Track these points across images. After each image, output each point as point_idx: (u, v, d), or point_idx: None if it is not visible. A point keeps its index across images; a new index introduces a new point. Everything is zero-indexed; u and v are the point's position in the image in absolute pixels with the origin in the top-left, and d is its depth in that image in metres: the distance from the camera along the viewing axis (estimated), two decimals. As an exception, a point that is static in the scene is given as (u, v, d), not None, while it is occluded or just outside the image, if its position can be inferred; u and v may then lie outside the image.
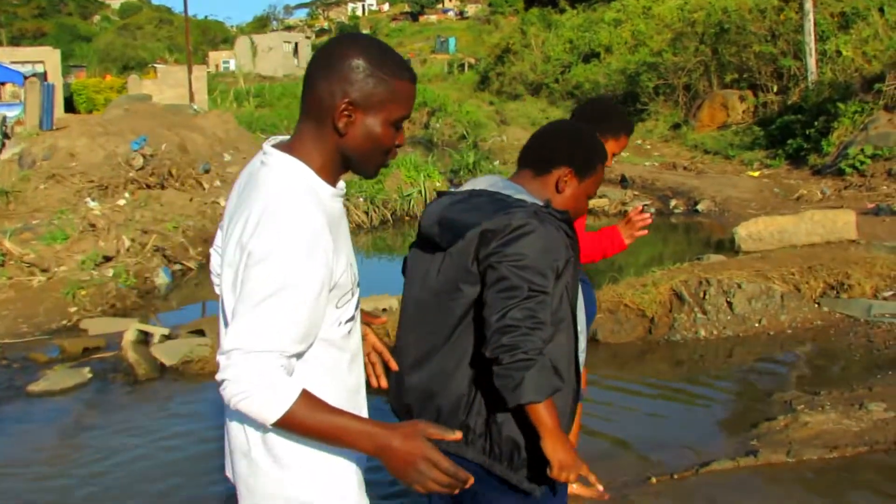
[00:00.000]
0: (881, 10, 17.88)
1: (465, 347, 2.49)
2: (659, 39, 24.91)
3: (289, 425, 1.84)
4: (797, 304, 7.54)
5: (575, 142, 2.74)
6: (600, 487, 2.41)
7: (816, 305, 7.64)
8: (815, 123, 15.84)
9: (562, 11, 36.67)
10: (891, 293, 7.82)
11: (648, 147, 20.40)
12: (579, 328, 2.69)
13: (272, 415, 1.82)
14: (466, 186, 2.72)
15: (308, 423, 1.84)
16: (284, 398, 1.82)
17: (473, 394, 2.48)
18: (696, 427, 5.52)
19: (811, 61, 17.79)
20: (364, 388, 2.22)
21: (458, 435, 1.92)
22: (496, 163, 19.71)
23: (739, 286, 7.47)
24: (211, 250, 2.35)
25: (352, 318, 2.09)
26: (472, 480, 1.91)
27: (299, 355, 1.94)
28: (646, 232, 3.88)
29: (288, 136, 2.09)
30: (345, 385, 2.10)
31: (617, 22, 30.45)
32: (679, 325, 7.30)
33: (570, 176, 2.71)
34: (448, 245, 2.52)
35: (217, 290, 2.15)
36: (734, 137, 18.89)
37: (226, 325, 2.01)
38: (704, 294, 7.46)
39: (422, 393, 2.57)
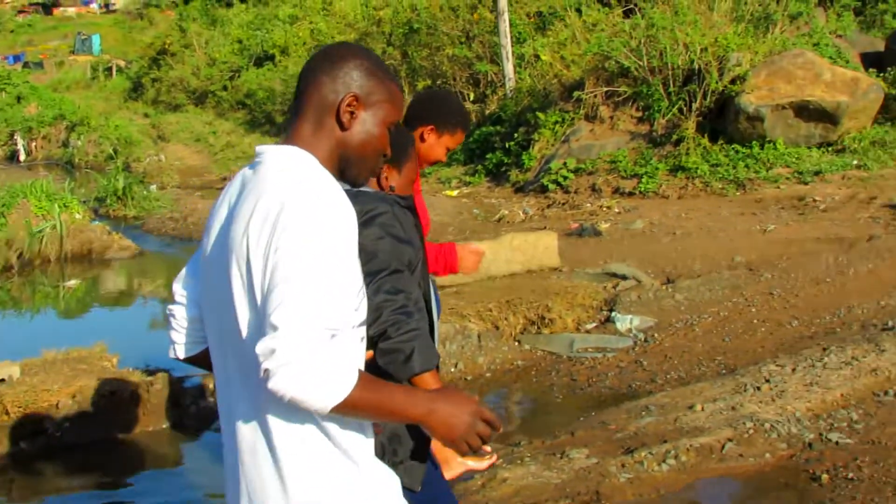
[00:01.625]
0: (578, 11, 19.35)
1: None
2: (341, 40, 25.47)
3: (349, 406, 2.04)
4: (496, 344, 7.93)
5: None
6: (495, 457, 2.92)
7: (517, 344, 8.07)
8: (515, 135, 16.82)
9: (229, 6, 36.62)
10: (593, 325, 8.43)
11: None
12: (434, 317, 3.15)
13: (338, 394, 2.02)
14: None
15: (365, 400, 2.06)
16: (349, 376, 2.03)
17: None
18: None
19: (508, 66, 18.88)
20: None
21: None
22: (153, 187, 19.22)
23: (434, 326, 7.73)
24: (173, 304, 2.52)
25: (362, 324, 2.31)
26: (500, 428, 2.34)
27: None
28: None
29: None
30: None
31: (293, 19, 30.84)
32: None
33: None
34: None
35: (175, 351, 2.49)
36: (430, 152, 19.62)
37: (223, 342, 2.26)
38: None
39: None
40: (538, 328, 8.19)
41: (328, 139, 2.34)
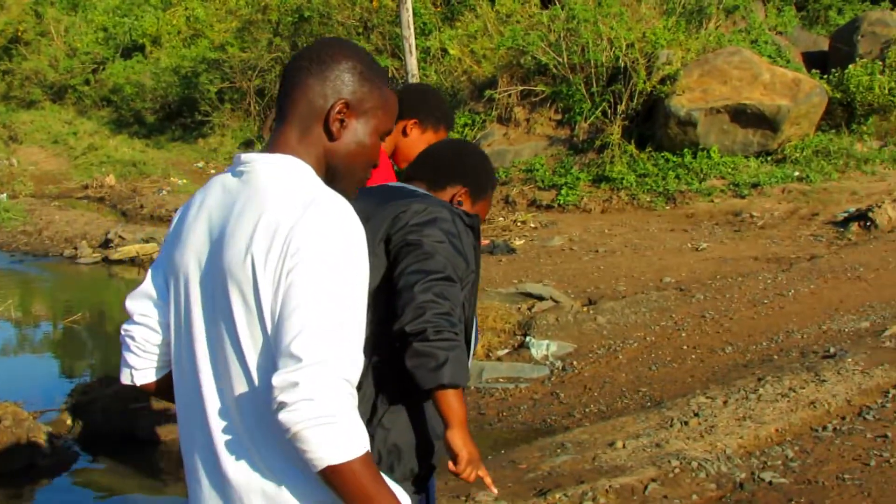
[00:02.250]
0: (491, 1, 19.47)
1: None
2: (221, 29, 25.32)
3: (343, 474, 2.05)
4: (395, 373, 7.91)
5: (471, 161, 3.44)
6: (495, 490, 2.89)
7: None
8: (419, 140, 16.84)
9: (92, -13, 36.07)
10: (505, 352, 8.46)
11: (213, 171, 20.52)
12: (470, 350, 3.17)
13: (345, 453, 2.04)
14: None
15: (359, 479, 2.07)
16: (361, 439, 2.07)
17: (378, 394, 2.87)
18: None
19: (412, 61, 18.89)
20: None
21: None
22: (2, 196, 18.84)
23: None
24: (132, 324, 2.47)
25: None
26: None
27: None
28: None
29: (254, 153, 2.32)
30: None
31: (166, 4, 30.53)
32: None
33: (465, 195, 3.36)
34: None
35: (132, 376, 2.47)
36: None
37: (217, 367, 2.24)
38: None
39: None
40: (442, 356, 8.18)
41: (315, 148, 2.34)
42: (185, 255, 2.34)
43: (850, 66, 15.63)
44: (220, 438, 2.26)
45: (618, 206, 14.08)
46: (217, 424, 2.27)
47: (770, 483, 5.43)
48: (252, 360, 2.19)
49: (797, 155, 14.59)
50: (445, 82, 17.85)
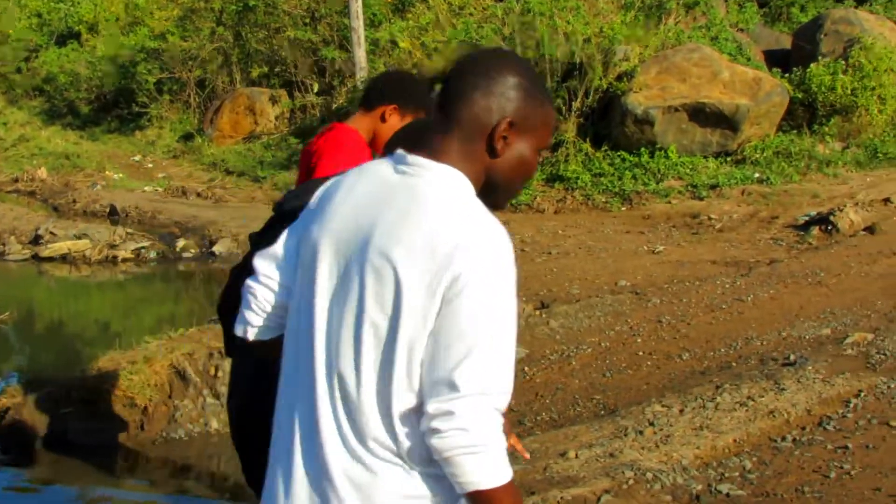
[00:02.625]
0: (444, -9, 19.47)
1: None
2: (162, 17, 25.05)
3: (489, 498, 2.24)
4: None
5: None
6: (527, 455, 3.32)
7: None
8: (366, 134, 16.77)
9: (25, -29, 35.64)
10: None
11: (150, 165, 20.40)
12: None
13: (493, 480, 2.24)
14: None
15: (512, 500, 2.27)
16: (507, 467, 2.26)
17: None
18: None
19: (360, 53, 18.86)
20: None
21: None
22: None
23: (263, 357, 7.62)
24: (255, 282, 2.62)
25: None
26: None
27: None
28: None
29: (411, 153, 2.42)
30: None
31: (105, -10, 30.20)
32: (182, 416, 7.30)
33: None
34: None
35: (246, 331, 2.63)
36: (265, 152, 19.48)
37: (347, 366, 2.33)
38: (217, 370, 7.50)
39: None
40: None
41: (476, 163, 2.43)
42: (324, 232, 2.44)
43: (813, 66, 15.76)
44: (323, 414, 2.36)
45: (572, 207, 14.08)
46: (323, 404, 2.38)
47: (727, 495, 5.42)
48: (369, 354, 2.31)
49: (757, 156, 14.68)
50: (395, 75, 17.77)
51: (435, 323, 2.25)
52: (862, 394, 6.59)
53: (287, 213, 3.52)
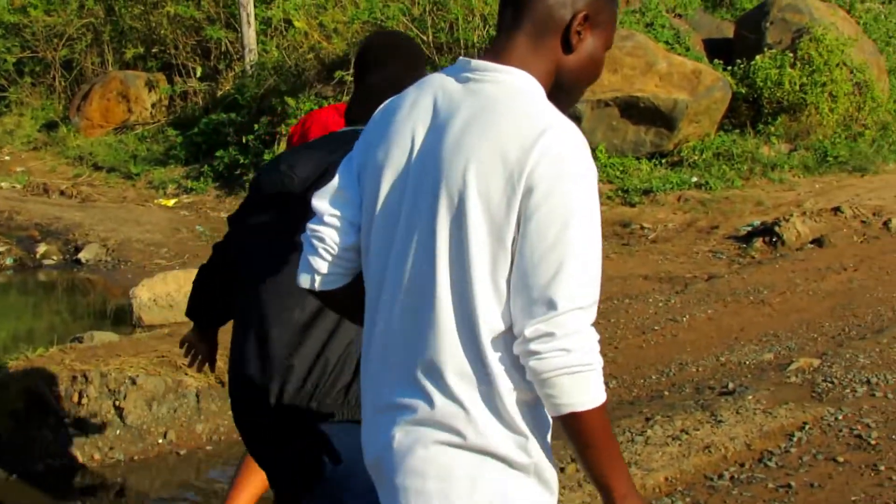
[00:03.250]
0: (346, -35, 19.45)
1: None
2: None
3: (584, 420, 2.41)
4: (221, 406, 7.77)
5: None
6: None
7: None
8: (256, 127, 16.70)
9: None
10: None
11: (7, 158, 20.10)
12: None
13: (591, 401, 2.40)
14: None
15: (604, 426, 2.45)
16: (603, 389, 2.44)
17: None
18: None
19: (249, 33, 18.78)
20: None
21: None
22: None
23: (134, 382, 7.55)
24: (319, 224, 2.71)
25: None
26: None
27: None
28: None
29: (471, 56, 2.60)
30: None
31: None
32: (40, 448, 7.18)
33: None
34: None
35: (314, 280, 2.73)
36: (139, 145, 19.28)
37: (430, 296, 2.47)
38: (81, 396, 7.41)
39: None
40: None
41: (547, 61, 2.61)
42: (389, 153, 2.59)
43: (758, 58, 15.95)
44: (421, 353, 2.50)
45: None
46: (404, 335, 2.55)
47: (657, 541, 5.46)
48: (445, 278, 2.47)
49: (696, 158, 14.82)
50: (289, 60, 17.73)
51: (518, 238, 2.39)
52: (807, 426, 6.70)
53: (264, 184, 3.81)
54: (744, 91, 15.71)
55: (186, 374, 7.90)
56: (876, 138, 16.03)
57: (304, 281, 2.76)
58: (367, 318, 2.66)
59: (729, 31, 18.09)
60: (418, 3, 15.94)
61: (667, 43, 16.26)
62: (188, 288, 9.50)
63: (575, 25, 2.57)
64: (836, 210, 13.15)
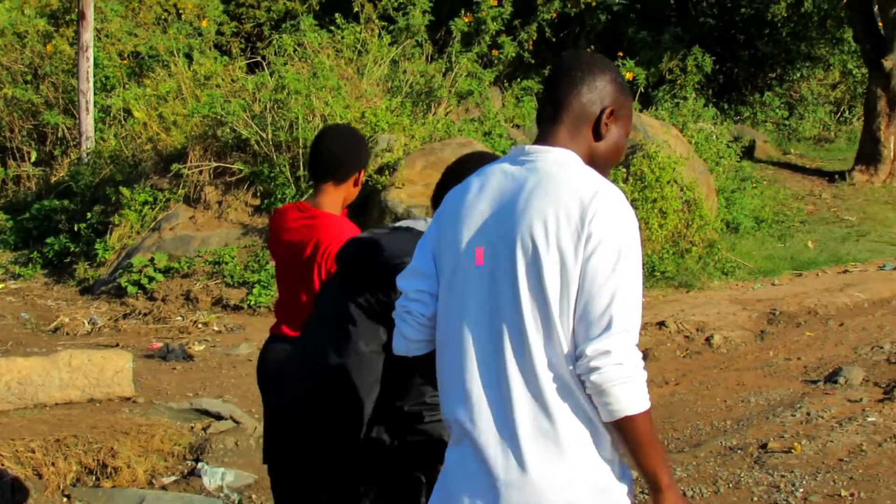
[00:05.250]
0: (189, 58, 19.51)
1: None
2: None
3: (634, 422, 3.06)
4: (36, 499, 7.75)
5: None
6: None
7: (66, 499, 7.93)
8: (89, 215, 16.59)
9: None
10: (172, 479, 8.42)
11: None
12: None
13: (640, 406, 3.06)
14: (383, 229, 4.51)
15: (650, 427, 3.11)
16: (648, 396, 3.10)
17: None
18: None
19: (88, 120, 18.68)
20: None
21: None
22: None
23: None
24: (407, 301, 3.46)
25: None
26: None
27: None
28: None
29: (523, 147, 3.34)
30: None
31: None
32: None
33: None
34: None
35: (409, 348, 3.47)
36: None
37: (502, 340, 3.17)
38: None
39: None
40: (97, 479, 8.10)
41: (583, 146, 3.36)
42: (465, 231, 3.28)
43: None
44: (517, 395, 3.15)
45: (319, 312, 14.18)
46: (496, 389, 3.19)
47: None
48: (533, 325, 3.11)
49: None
50: (126, 150, 17.67)
51: (579, 279, 3.06)
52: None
53: (351, 260, 4.47)
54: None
55: (5, 463, 7.86)
56: (702, 255, 16.33)
57: (398, 348, 3.48)
58: (441, 371, 3.33)
59: (566, 143, 18.51)
60: (259, 101, 16.07)
61: (503, 152, 16.48)
62: (13, 375, 9.48)
63: (604, 118, 3.35)
64: (661, 324, 13.40)
